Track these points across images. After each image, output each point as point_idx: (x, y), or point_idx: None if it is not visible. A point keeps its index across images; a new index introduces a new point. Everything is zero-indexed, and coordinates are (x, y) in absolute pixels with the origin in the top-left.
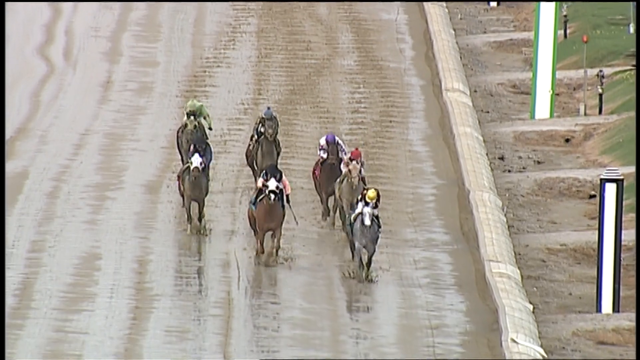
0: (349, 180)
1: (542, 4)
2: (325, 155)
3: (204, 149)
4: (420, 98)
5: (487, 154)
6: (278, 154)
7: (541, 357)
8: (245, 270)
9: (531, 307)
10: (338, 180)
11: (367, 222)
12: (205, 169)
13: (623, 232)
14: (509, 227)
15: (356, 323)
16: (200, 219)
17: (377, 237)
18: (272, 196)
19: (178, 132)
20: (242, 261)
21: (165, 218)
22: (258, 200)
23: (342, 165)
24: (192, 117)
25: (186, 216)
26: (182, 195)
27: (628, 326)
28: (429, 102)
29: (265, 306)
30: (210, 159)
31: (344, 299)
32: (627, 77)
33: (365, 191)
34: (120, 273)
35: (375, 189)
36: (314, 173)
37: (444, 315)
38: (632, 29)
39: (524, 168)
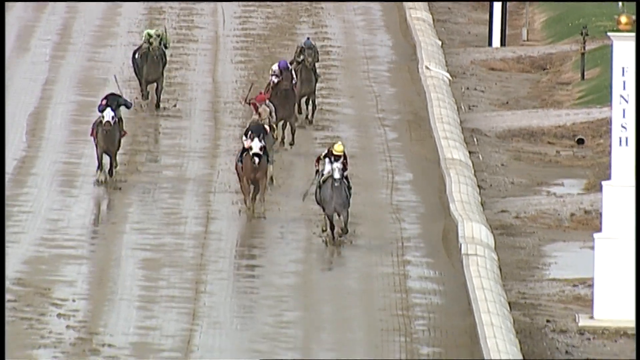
0: (259, 123)
1: None
2: (277, 81)
3: (117, 104)
4: None
5: None
6: (316, 81)
7: (447, 79)
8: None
9: (440, 42)
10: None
11: (337, 175)
12: (117, 122)
13: None
14: None
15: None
16: (110, 172)
17: (348, 200)
18: (257, 160)
19: (134, 55)
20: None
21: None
22: (243, 156)
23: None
24: (152, 39)
25: (97, 165)
26: (96, 146)
27: (511, 57)
28: None
29: None
30: (130, 105)
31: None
32: None
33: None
34: (137, 17)
35: (342, 144)
36: (267, 96)
37: (376, 49)
38: None
39: None
